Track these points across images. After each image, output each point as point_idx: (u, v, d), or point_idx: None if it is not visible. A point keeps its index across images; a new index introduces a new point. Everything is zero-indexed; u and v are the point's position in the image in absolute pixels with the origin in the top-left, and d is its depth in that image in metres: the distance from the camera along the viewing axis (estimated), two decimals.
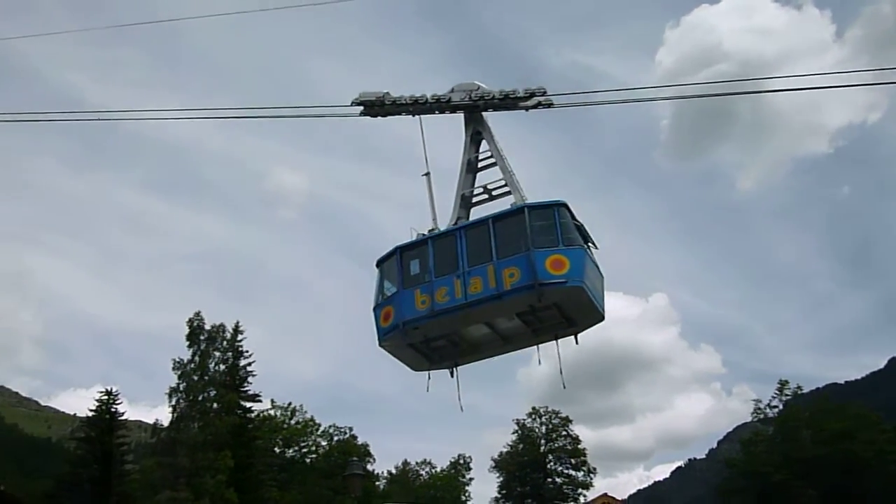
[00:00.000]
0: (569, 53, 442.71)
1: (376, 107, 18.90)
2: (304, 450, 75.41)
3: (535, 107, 17.84)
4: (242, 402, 59.35)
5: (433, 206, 18.66)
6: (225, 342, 59.15)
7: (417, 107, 18.91)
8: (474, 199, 19.02)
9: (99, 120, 20.33)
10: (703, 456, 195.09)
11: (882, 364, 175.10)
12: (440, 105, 18.87)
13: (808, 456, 61.28)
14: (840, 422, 62.93)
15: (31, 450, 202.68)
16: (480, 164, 19.25)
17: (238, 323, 60.54)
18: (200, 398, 56.47)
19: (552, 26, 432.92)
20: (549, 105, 17.69)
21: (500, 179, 18.57)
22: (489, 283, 16.04)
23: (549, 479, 75.74)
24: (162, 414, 79.88)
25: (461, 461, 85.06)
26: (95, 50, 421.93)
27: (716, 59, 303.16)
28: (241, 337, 60.10)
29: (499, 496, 77.44)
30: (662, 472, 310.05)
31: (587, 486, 74.40)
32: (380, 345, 17.97)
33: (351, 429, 76.73)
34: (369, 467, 72.01)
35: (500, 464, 77.25)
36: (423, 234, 17.75)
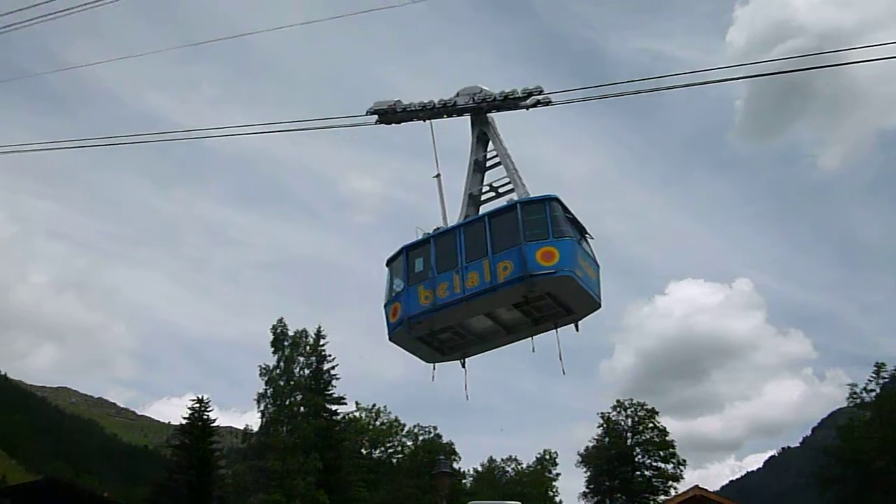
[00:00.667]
0: (636, 40, 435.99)
1: (390, 114, 19.84)
2: (390, 450, 76.20)
3: (533, 105, 18.47)
4: (328, 406, 60.37)
5: (443, 206, 19.50)
6: (308, 347, 60.27)
7: (426, 112, 19.79)
8: (483, 198, 19.72)
9: (180, 140, 21.07)
10: (798, 444, 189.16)
11: None
12: (447, 109, 19.65)
13: None
14: None
15: (131, 458, 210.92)
16: (489, 164, 19.87)
17: (320, 328, 61.68)
18: (287, 403, 57.66)
19: (617, 13, 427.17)
20: (548, 103, 18.28)
21: (505, 177, 19.18)
22: (485, 276, 16.85)
23: (638, 473, 74.44)
24: (251, 419, 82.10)
25: (547, 457, 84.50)
26: (172, 69, 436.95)
27: (790, 35, 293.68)
28: (324, 341, 61.22)
29: (587, 491, 76.51)
30: (755, 461, 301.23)
31: (677, 478, 72.87)
32: (390, 339, 18.91)
33: (435, 428, 77.17)
34: (455, 465, 72.28)
35: (587, 458, 76.29)
36: (428, 234, 18.55)
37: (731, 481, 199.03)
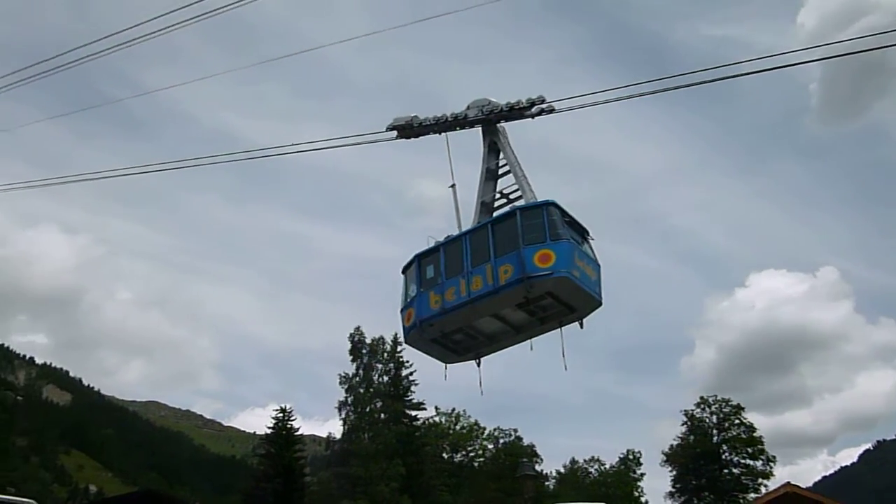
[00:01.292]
0: (704, 28, 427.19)
1: (407, 129, 20.71)
2: (472, 454, 76.19)
3: (538, 114, 19.26)
4: (407, 411, 60.76)
5: (458, 214, 20.28)
6: (386, 354, 60.81)
7: (440, 126, 20.62)
8: (496, 205, 20.44)
9: (255, 158, 22.00)
10: (895, 436, 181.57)
11: None
12: (459, 122, 20.49)
13: None
14: None
15: (219, 467, 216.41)
16: (501, 172, 20.52)
17: (396, 335, 62.01)
18: (368, 410, 58.34)
19: (682, 2, 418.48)
20: (551, 111, 18.95)
21: (514, 184, 19.92)
22: (488, 279, 17.78)
23: (726, 471, 72.56)
24: (334, 427, 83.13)
25: (630, 456, 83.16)
26: (243, 87, 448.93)
27: (864, 12, 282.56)
28: (401, 348, 61.58)
29: (673, 490, 74.98)
30: (849, 456, 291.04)
31: (767, 475, 70.77)
32: (405, 342, 20.50)
33: (516, 430, 76.82)
34: (537, 467, 71.77)
35: (672, 457, 74.76)
36: (439, 241, 19.49)
37: (825, 477, 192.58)
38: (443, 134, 20.88)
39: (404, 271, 19.99)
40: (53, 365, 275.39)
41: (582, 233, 18.71)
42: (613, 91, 17.31)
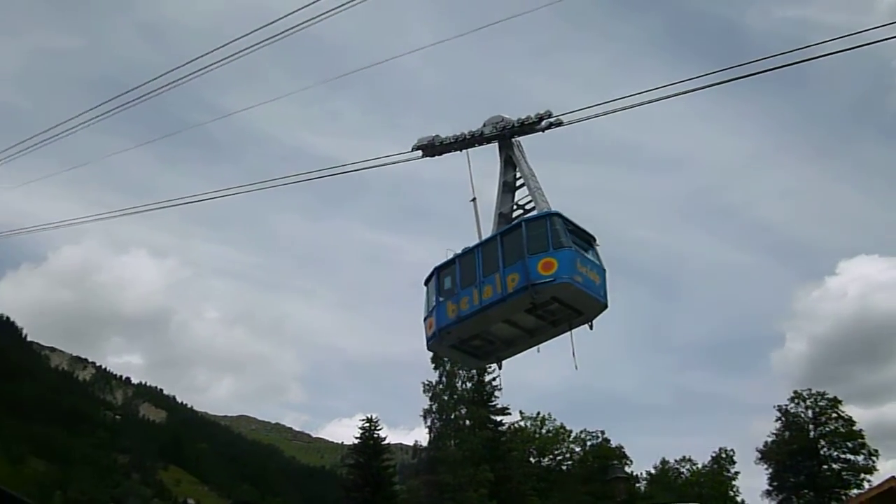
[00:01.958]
0: (777, 10, 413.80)
1: (431, 148, 21.68)
2: (559, 457, 75.60)
3: (547, 127, 20.20)
4: (492, 417, 60.65)
5: (479, 226, 21.25)
6: None
7: (460, 143, 21.55)
8: (513, 216, 21.21)
9: (331, 175, 22.82)
10: None
11: None
12: (476, 139, 21.45)
13: None
14: None
15: (309, 478, 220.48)
16: (518, 184, 21.39)
17: None
18: (453, 417, 58.50)
19: None
20: (560, 124, 19.95)
21: (528, 196, 20.85)
22: (497, 288, 18.78)
23: (825, 466, 70.09)
24: (420, 435, 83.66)
25: (723, 455, 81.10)
26: (316, 104, 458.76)
27: None
28: None
29: (770, 489, 72.72)
30: None
31: (870, 470, 67.99)
32: (428, 349, 21.25)
33: (603, 432, 75.92)
34: (627, 469, 70.64)
35: (767, 454, 72.56)
36: (456, 253, 20.57)
37: None
38: (463, 151, 21.81)
39: (426, 283, 21.04)
40: (148, 384, 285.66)
41: (588, 240, 19.63)
42: (625, 99, 17.70)
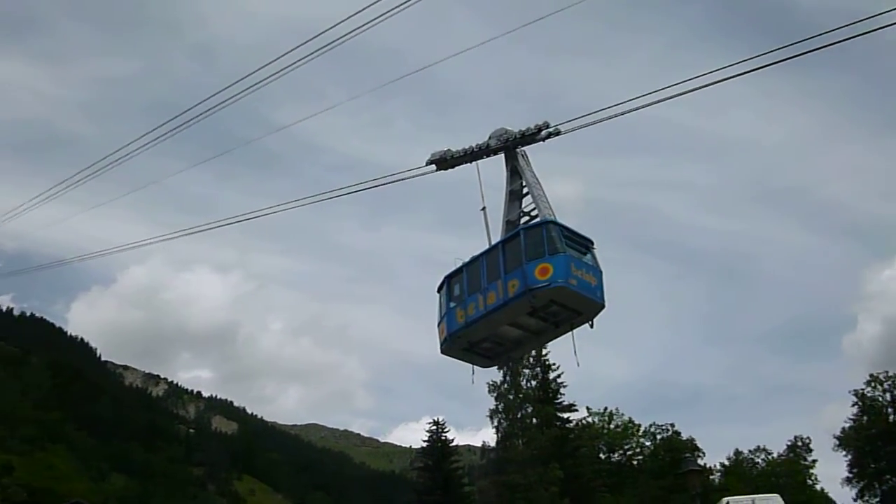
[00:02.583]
0: None
1: (444, 162, 22.87)
2: (629, 452, 74.69)
3: (547, 137, 21.42)
4: (559, 414, 60.30)
5: (489, 234, 22.29)
6: (531, 359, 60.62)
7: (469, 156, 22.71)
8: (521, 222, 22.18)
9: (384, 185, 24.08)
10: None
11: None
12: (484, 151, 22.60)
13: None
14: None
15: (380, 483, 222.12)
16: (524, 192, 22.36)
17: None
18: (519, 416, 58.36)
19: None
20: (558, 133, 21.15)
21: (531, 203, 21.79)
22: (499, 294, 19.90)
23: None
24: (487, 436, 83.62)
25: (799, 443, 79.10)
26: (367, 113, 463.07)
27: None
28: (546, 351, 61.27)
29: (850, 476, 70.62)
30: None
31: None
32: (441, 352, 22.24)
33: (672, 425, 74.67)
34: (700, 461, 69.40)
35: (845, 441, 70.53)
36: (464, 262, 21.71)
37: None
38: (474, 162, 22.96)
39: (438, 290, 22.24)
40: (219, 397, 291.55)
41: (585, 244, 20.61)
42: (622, 104, 18.69)
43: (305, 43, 21.80)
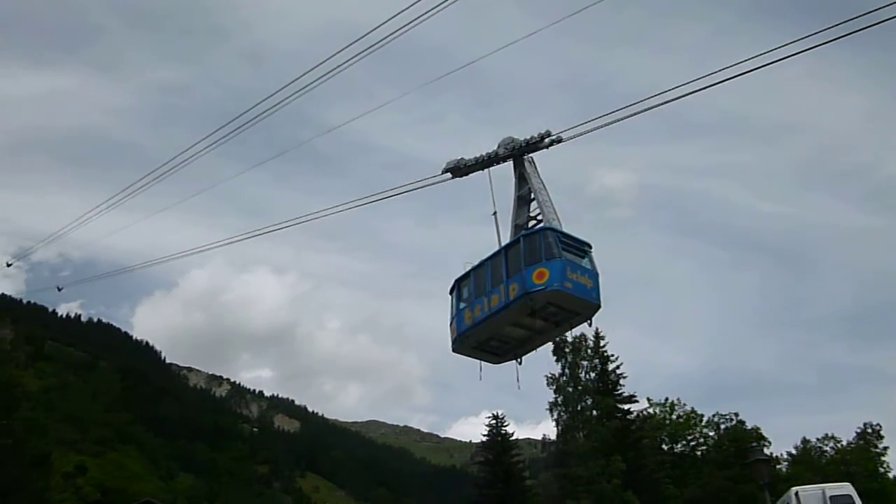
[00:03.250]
0: None
1: (458, 170, 23.99)
2: (692, 443, 73.53)
3: (550, 144, 22.50)
4: (619, 406, 59.71)
5: (499, 237, 23.25)
6: (589, 350, 60.19)
7: (480, 164, 23.82)
8: (529, 226, 23.22)
9: (436, 184, 24.82)
10: None
11: None
12: (493, 159, 23.71)
13: None
14: None
15: (441, 478, 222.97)
16: (532, 197, 23.38)
17: (598, 330, 61.32)
18: (579, 408, 57.97)
19: None
20: (559, 140, 22.21)
21: (537, 209, 22.93)
22: (501, 297, 21.09)
23: None
24: (547, 429, 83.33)
25: (869, 430, 76.87)
26: (417, 111, 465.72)
27: None
28: (604, 342, 60.78)
29: None
30: None
31: None
32: (452, 350, 23.40)
33: (737, 415, 73.12)
34: (766, 451, 67.96)
35: None
36: (473, 265, 22.86)
37: None
38: (486, 170, 24.06)
39: (450, 293, 23.48)
40: (280, 396, 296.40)
41: (582, 249, 21.58)
42: (618, 111, 19.51)
43: (353, 44, 22.06)
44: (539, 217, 22.86)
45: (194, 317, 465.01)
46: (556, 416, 58.35)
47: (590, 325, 22.29)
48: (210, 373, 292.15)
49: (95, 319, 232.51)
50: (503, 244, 22.68)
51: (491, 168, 24.03)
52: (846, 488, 29.44)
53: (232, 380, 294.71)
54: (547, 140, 22.53)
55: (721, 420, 73.06)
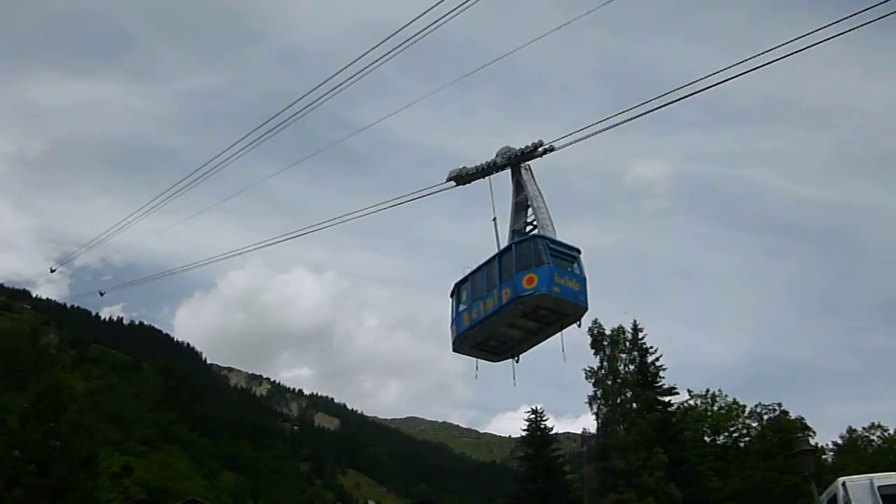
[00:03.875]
0: None
1: (460, 178, 25.20)
2: (735, 434, 72.69)
3: (543, 153, 23.61)
4: (659, 398, 59.23)
5: (498, 242, 24.15)
6: (628, 343, 59.77)
7: (481, 172, 24.95)
8: (526, 231, 24.21)
9: (410, 201, 26.42)
10: None
11: None
12: (492, 167, 24.79)
13: None
14: None
15: (481, 473, 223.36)
16: (528, 204, 24.33)
17: (636, 321, 60.94)
18: (619, 401, 57.59)
19: None
20: (552, 149, 23.30)
21: (532, 215, 24.08)
22: (496, 300, 22.37)
23: None
24: (587, 422, 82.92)
25: None
26: (449, 107, 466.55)
27: None
28: (643, 334, 60.31)
29: None
30: None
31: None
32: (452, 350, 24.74)
33: (780, 405, 72.11)
34: (811, 441, 66.80)
35: None
36: (471, 270, 24.05)
37: None
38: (486, 178, 25.13)
39: (451, 296, 24.71)
40: (320, 394, 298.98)
41: (570, 255, 22.68)
42: (614, 117, 19.77)
43: (383, 42, 22.14)
44: (535, 222, 23.99)
45: (234, 317, 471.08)
46: (595, 410, 57.99)
47: (578, 325, 23.32)
48: (250, 372, 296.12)
49: (137, 322, 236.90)
50: (499, 250, 23.85)
51: (491, 176, 25.05)
52: (895, 478, 28.83)
53: (272, 379, 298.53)
54: (540, 149, 23.68)
55: (764, 411, 72.14)
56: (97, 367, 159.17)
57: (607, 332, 59.64)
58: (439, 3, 19.58)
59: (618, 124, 19.96)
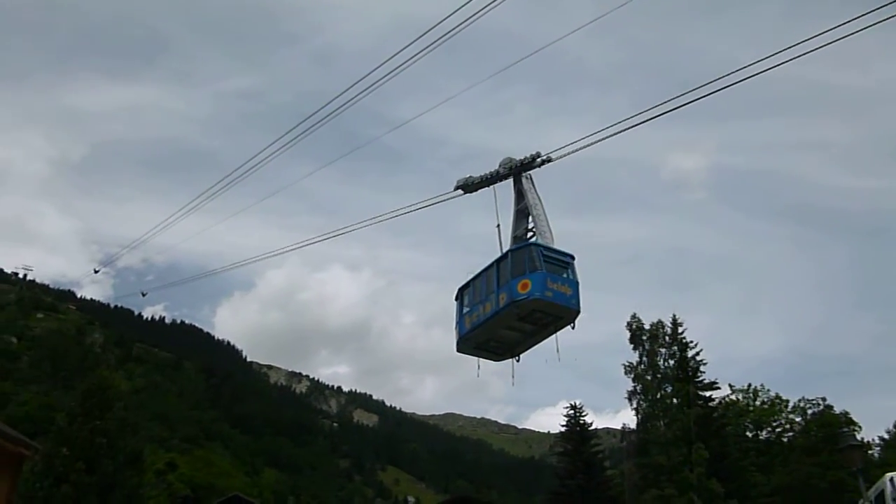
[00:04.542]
0: None
1: (467, 187, 26.30)
2: (778, 429, 71.66)
3: (541, 164, 24.84)
4: (700, 393, 58.59)
5: (501, 248, 25.31)
6: (667, 337, 59.21)
7: (486, 181, 26.15)
8: (527, 237, 25.27)
9: (421, 209, 27.45)
10: None
11: None
12: (496, 177, 25.96)
13: None
14: None
15: (520, 469, 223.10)
16: (528, 211, 25.46)
17: (675, 315, 60.32)
18: (659, 396, 57.12)
19: None
20: (549, 160, 24.46)
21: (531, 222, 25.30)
22: (493, 304, 23.66)
23: None
24: (626, 418, 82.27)
25: None
26: (485, 102, 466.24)
27: None
28: (682, 329, 59.68)
29: None
30: None
31: None
32: (456, 351, 26.02)
33: (824, 399, 70.91)
34: (857, 436, 65.59)
35: None
36: (474, 274, 25.32)
37: None
38: (492, 186, 26.29)
39: (455, 299, 26.09)
40: (358, 391, 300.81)
41: (564, 261, 23.83)
42: (614, 126, 19.99)
43: (418, 38, 22.09)
44: (534, 229, 25.21)
45: (273, 316, 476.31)
46: (635, 405, 57.62)
47: (573, 328, 24.09)
48: (290, 370, 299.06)
49: (179, 321, 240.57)
50: (497, 257, 24.99)
51: (496, 185, 26.23)
52: None
53: (311, 376, 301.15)
54: (538, 160, 24.92)
55: (808, 405, 71.02)
56: (140, 366, 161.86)
57: (646, 326, 59.22)
58: None
59: (646, 120, 19.45)
